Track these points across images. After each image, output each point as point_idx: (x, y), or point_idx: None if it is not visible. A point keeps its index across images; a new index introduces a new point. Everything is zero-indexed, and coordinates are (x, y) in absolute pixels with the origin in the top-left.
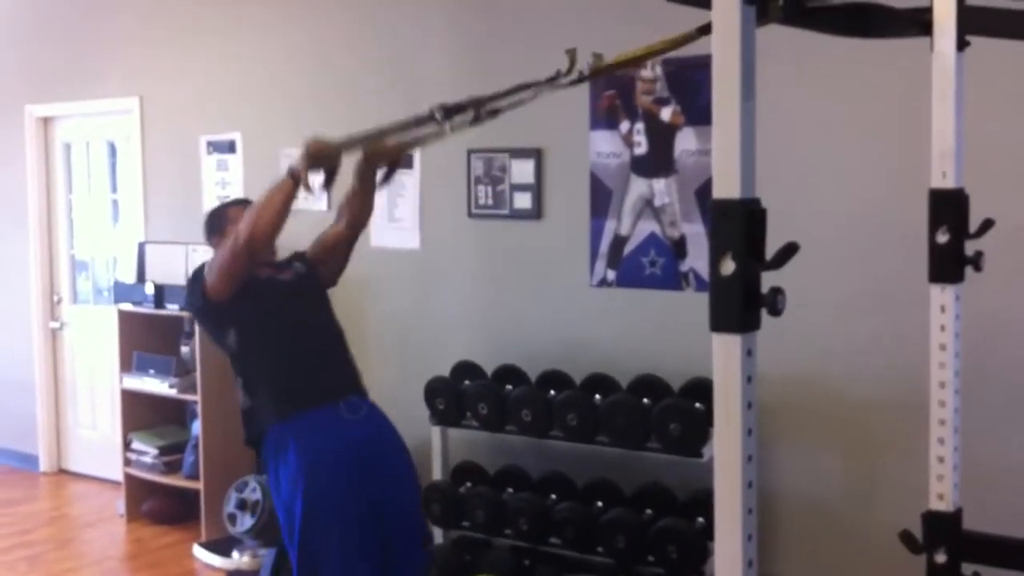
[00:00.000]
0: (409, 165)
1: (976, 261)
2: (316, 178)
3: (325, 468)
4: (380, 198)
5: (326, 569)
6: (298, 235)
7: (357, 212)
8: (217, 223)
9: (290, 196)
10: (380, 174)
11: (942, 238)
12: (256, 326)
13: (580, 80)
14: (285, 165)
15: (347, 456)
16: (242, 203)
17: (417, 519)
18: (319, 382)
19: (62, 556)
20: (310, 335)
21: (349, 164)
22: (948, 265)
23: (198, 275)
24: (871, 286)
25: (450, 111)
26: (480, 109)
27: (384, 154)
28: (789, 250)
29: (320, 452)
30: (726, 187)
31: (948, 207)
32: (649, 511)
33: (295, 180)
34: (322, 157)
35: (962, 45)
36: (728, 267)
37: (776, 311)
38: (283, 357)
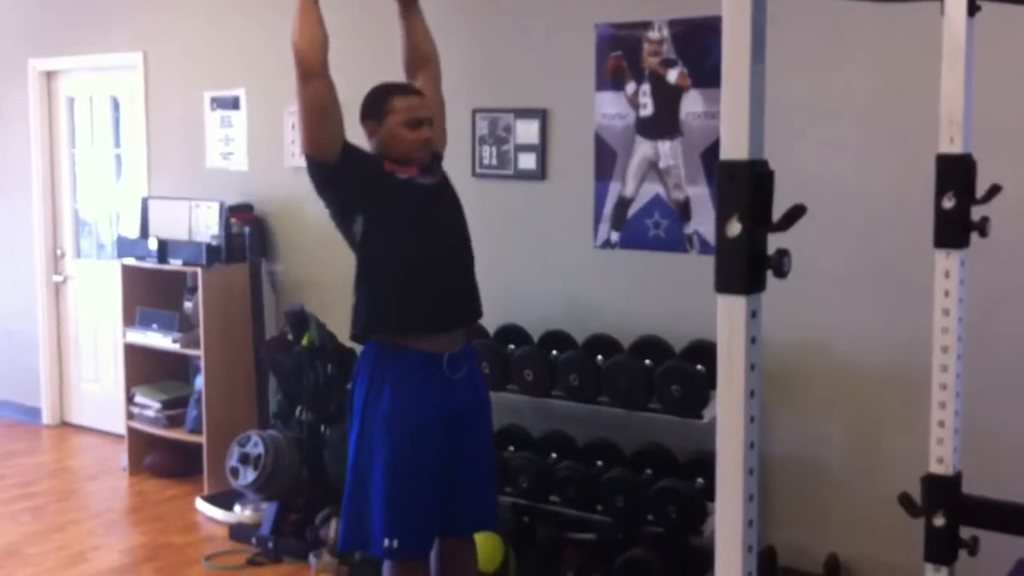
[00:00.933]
0: None
1: (982, 227)
2: None
3: (412, 423)
4: None
5: (385, 520)
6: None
7: (423, 46)
8: (375, 107)
9: (306, 6)
10: None
11: (948, 203)
12: (386, 222)
13: None
14: (289, 123)
15: (437, 423)
16: (409, 92)
17: (490, 484)
18: (436, 314)
19: (64, 508)
20: (439, 251)
21: None
22: (954, 230)
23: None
24: (876, 252)
25: None
26: None
27: None
28: (796, 212)
29: (412, 421)
30: (734, 148)
31: (955, 172)
32: (649, 471)
33: None
34: None
35: (972, 10)
36: (734, 228)
37: (782, 273)
38: (406, 267)
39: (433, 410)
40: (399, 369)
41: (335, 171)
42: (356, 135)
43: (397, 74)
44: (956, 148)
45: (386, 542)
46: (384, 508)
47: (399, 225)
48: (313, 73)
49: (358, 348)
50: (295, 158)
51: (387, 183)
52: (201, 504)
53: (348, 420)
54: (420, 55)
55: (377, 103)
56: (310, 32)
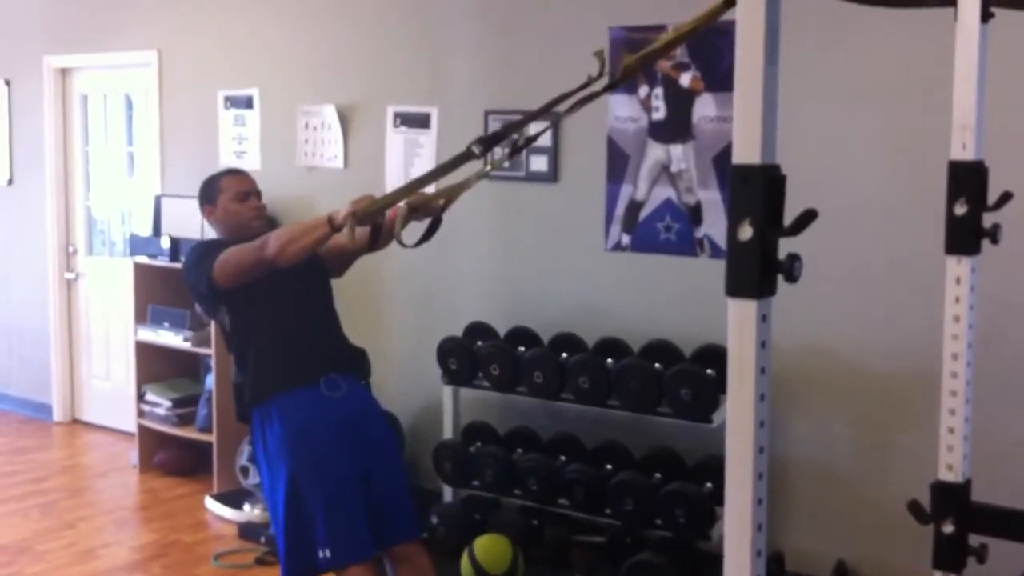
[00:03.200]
0: (426, 126)
1: (993, 234)
2: (362, 232)
3: (309, 440)
4: (396, 157)
5: (314, 537)
6: (315, 190)
7: (380, 242)
8: (208, 192)
9: (323, 241)
10: (422, 231)
11: (960, 210)
12: (250, 307)
13: (612, 85)
14: (302, 122)
15: (331, 429)
16: (235, 173)
17: (405, 490)
18: (302, 362)
19: (75, 505)
20: (301, 318)
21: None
22: (965, 237)
23: (203, 258)
24: (887, 257)
25: (488, 142)
26: (517, 135)
27: (426, 207)
28: (807, 217)
29: (304, 426)
30: (746, 152)
31: (967, 179)
32: (658, 475)
33: (331, 228)
34: (368, 216)
35: (986, 16)
36: (746, 232)
37: (793, 277)
38: (272, 338)
39: (323, 422)
40: (281, 402)
41: (226, 291)
42: None
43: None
44: (968, 154)
45: (320, 554)
46: (311, 522)
47: (258, 303)
48: (274, 266)
49: (371, 348)
50: (308, 157)
51: None
52: (211, 502)
53: (258, 469)
54: (375, 245)
55: (209, 188)
56: (303, 254)
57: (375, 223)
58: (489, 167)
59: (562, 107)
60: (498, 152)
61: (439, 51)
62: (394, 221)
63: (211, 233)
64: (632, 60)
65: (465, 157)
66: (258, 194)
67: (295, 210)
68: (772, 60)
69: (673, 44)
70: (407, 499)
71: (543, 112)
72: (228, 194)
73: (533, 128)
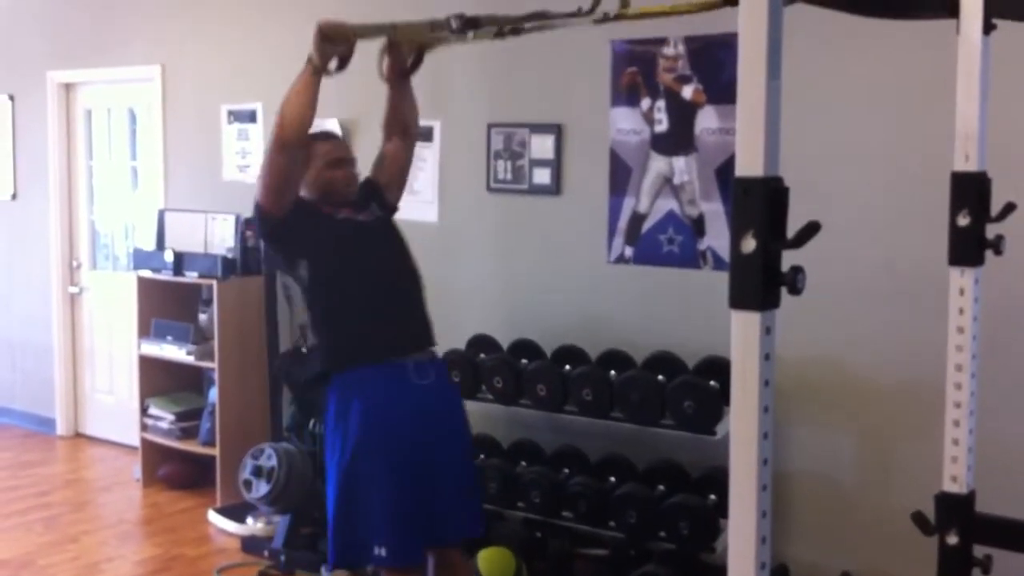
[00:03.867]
0: (429, 139)
1: (996, 244)
2: (331, 62)
3: (389, 433)
4: None
5: (370, 531)
6: None
7: (405, 116)
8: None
9: (309, 83)
10: (409, 61)
11: (963, 221)
12: (329, 263)
13: (602, 20)
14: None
15: (412, 422)
16: (330, 137)
17: (473, 488)
18: (390, 334)
19: (78, 519)
20: (385, 281)
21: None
22: (968, 248)
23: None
24: (890, 268)
25: (468, 23)
26: (502, 27)
27: (409, 41)
28: (811, 229)
29: (385, 416)
30: (749, 165)
31: (970, 190)
32: (661, 487)
33: (312, 66)
34: (336, 37)
35: (988, 28)
36: (749, 245)
37: (796, 290)
38: (355, 301)
39: (404, 411)
40: (364, 382)
41: (282, 223)
42: None
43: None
44: (971, 166)
45: (376, 550)
46: (371, 518)
47: (341, 264)
48: (291, 146)
49: None
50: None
51: (327, 225)
52: (214, 516)
53: (326, 440)
54: (402, 122)
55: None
56: (302, 108)
57: (344, 50)
58: (472, 36)
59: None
60: (481, 31)
61: (441, 65)
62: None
63: (214, 248)
64: (627, 11)
65: (440, 26)
66: (352, 162)
67: None
68: (774, 74)
69: (667, 13)
70: (475, 496)
71: (524, 19)
72: (322, 159)
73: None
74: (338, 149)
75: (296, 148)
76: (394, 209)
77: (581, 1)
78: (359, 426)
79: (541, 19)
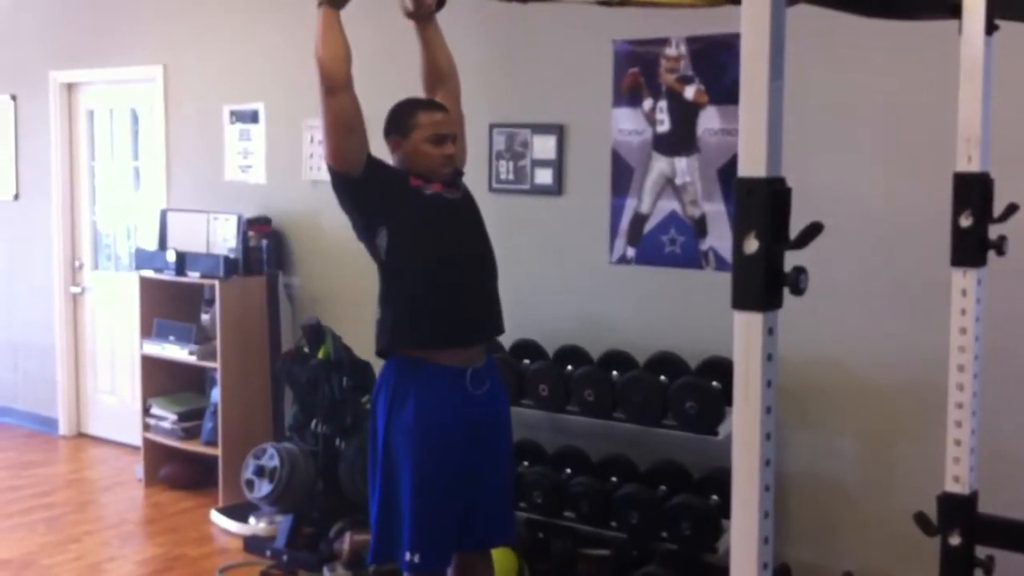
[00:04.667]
0: None
1: (999, 245)
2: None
3: (437, 444)
4: None
5: (404, 536)
6: (321, 204)
7: (441, 63)
8: (401, 123)
9: (329, 20)
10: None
11: (965, 222)
12: (410, 236)
13: (606, 3)
14: (308, 136)
15: (462, 434)
16: (435, 108)
17: (508, 495)
18: (460, 328)
19: (80, 519)
20: (465, 265)
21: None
22: (971, 249)
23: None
24: (893, 269)
25: None
26: None
27: None
28: (813, 230)
29: (436, 426)
30: (752, 166)
31: (972, 191)
32: (663, 487)
33: (326, 3)
34: None
35: (991, 29)
36: (752, 245)
37: (799, 290)
38: (431, 281)
39: (457, 424)
40: (423, 382)
41: (359, 184)
42: (379, 150)
43: (418, 86)
44: (974, 166)
45: (407, 556)
46: (408, 522)
47: (424, 239)
48: (337, 86)
49: (375, 361)
50: (313, 172)
51: (413, 198)
52: (216, 516)
53: (371, 431)
54: (439, 71)
55: (402, 118)
56: (334, 45)
57: None
58: None
59: None
60: None
61: None
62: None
63: (216, 248)
64: None
65: None
66: (455, 138)
67: (301, 224)
68: (777, 75)
69: (672, 4)
70: (508, 503)
71: None
72: (424, 132)
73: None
74: (444, 124)
75: (345, 86)
76: (461, 173)
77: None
78: (411, 427)
79: None
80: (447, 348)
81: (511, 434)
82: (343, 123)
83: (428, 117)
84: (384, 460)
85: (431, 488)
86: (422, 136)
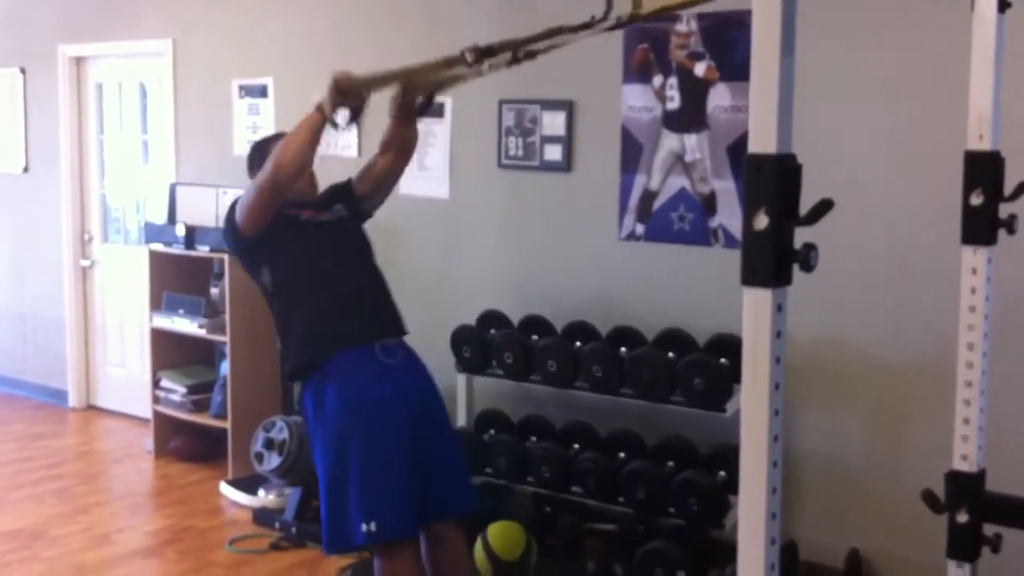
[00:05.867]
0: (440, 115)
1: (1010, 224)
2: (343, 113)
3: (363, 410)
4: None
5: (359, 510)
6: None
7: (405, 141)
8: (260, 156)
9: (316, 130)
10: (418, 103)
11: (976, 200)
12: (291, 265)
13: (616, 27)
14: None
15: (385, 398)
16: (276, 136)
17: (461, 462)
18: (353, 323)
19: (90, 490)
20: (346, 277)
21: (380, 101)
22: (981, 227)
23: (232, 210)
24: (901, 248)
25: (483, 53)
26: (516, 51)
27: (420, 86)
28: (823, 207)
29: (358, 395)
30: (762, 142)
31: (983, 169)
32: (671, 463)
33: (321, 115)
34: (349, 91)
35: (1003, 6)
36: (761, 222)
37: (808, 267)
38: (317, 298)
39: (380, 391)
40: (335, 367)
41: (256, 240)
42: None
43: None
44: (985, 145)
45: (364, 527)
46: (357, 495)
47: (303, 264)
48: (285, 189)
49: None
50: (322, 147)
51: (289, 228)
52: (225, 488)
53: (307, 433)
54: (401, 146)
55: (260, 153)
56: (303, 159)
57: (357, 102)
58: (488, 67)
59: (560, 39)
60: (495, 60)
61: (453, 40)
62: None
63: (224, 215)
64: (640, 12)
65: (455, 61)
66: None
67: None
68: (788, 51)
69: (680, 6)
70: (462, 471)
71: (539, 38)
72: None
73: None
74: None
75: (287, 191)
76: (368, 216)
77: (593, 7)
78: (337, 409)
79: (556, 36)
80: (345, 349)
81: (443, 403)
82: (271, 211)
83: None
84: (324, 450)
85: (372, 457)
86: None
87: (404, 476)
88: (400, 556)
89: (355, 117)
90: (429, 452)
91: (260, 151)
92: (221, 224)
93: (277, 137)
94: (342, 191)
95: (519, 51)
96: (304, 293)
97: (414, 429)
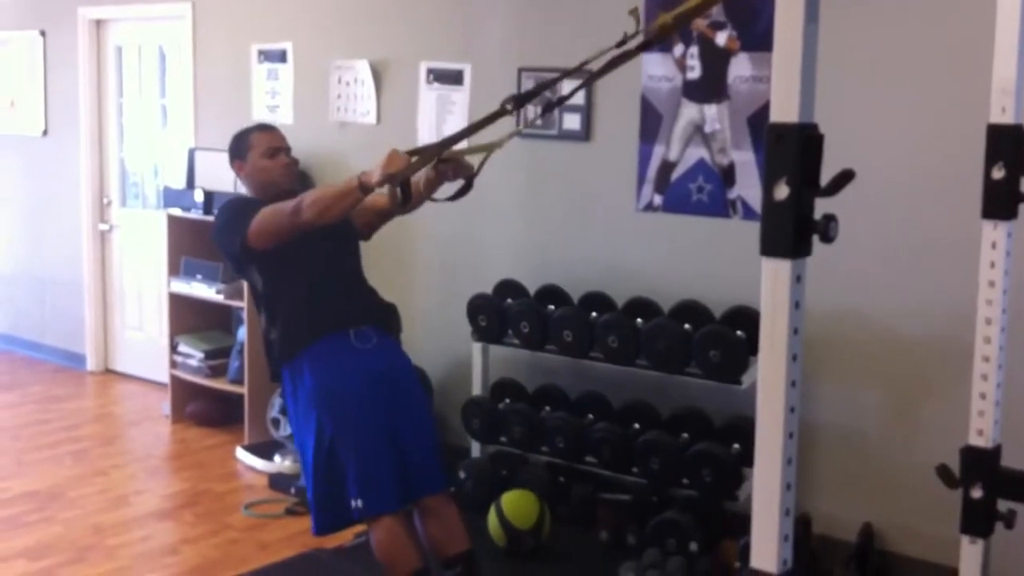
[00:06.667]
0: (459, 82)
1: None
2: (386, 190)
3: (340, 392)
4: (428, 113)
5: (346, 488)
6: (348, 145)
7: (415, 203)
8: (238, 147)
9: (356, 203)
10: (454, 190)
11: (998, 174)
12: (282, 267)
13: (647, 44)
14: (335, 77)
15: (360, 381)
16: (265, 129)
17: (432, 445)
18: (331, 314)
19: (107, 453)
20: (330, 275)
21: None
22: (1002, 201)
23: (236, 219)
24: (921, 222)
25: (521, 100)
26: (551, 93)
27: (458, 165)
28: (844, 177)
29: (334, 378)
30: (784, 111)
31: (1006, 143)
32: (685, 435)
33: (364, 191)
34: (398, 174)
35: None
36: (782, 192)
37: (828, 238)
38: (302, 295)
39: (355, 376)
40: (312, 354)
41: (257, 252)
42: None
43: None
44: (1008, 118)
45: (352, 504)
46: (343, 475)
47: (289, 260)
48: (305, 229)
49: (402, 303)
50: (340, 112)
51: None
52: (241, 453)
53: (291, 420)
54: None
55: (239, 143)
56: (335, 215)
57: (404, 181)
58: (522, 126)
59: (595, 65)
60: (531, 111)
61: (473, 7)
62: (426, 182)
63: (243, 188)
64: (668, 19)
65: (498, 115)
66: (287, 151)
67: (328, 166)
68: (812, 17)
69: (709, 2)
70: (433, 454)
71: (576, 71)
72: (258, 150)
73: (567, 87)
74: (274, 139)
75: (315, 227)
76: (360, 234)
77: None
78: (313, 395)
79: (590, 62)
80: (321, 337)
81: (419, 386)
82: (286, 241)
83: (260, 136)
84: (302, 435)
85: (352, 435)
86: (258, 153)
87: (382, 453)
88: (385, 527)
89: (405, 197)
90: (403, 433)
91: (242, 141)
92: (240, 190)
93: (260, 127)
94: None
95: (554, 95)
96: (288, 291)
97: (388, 409)
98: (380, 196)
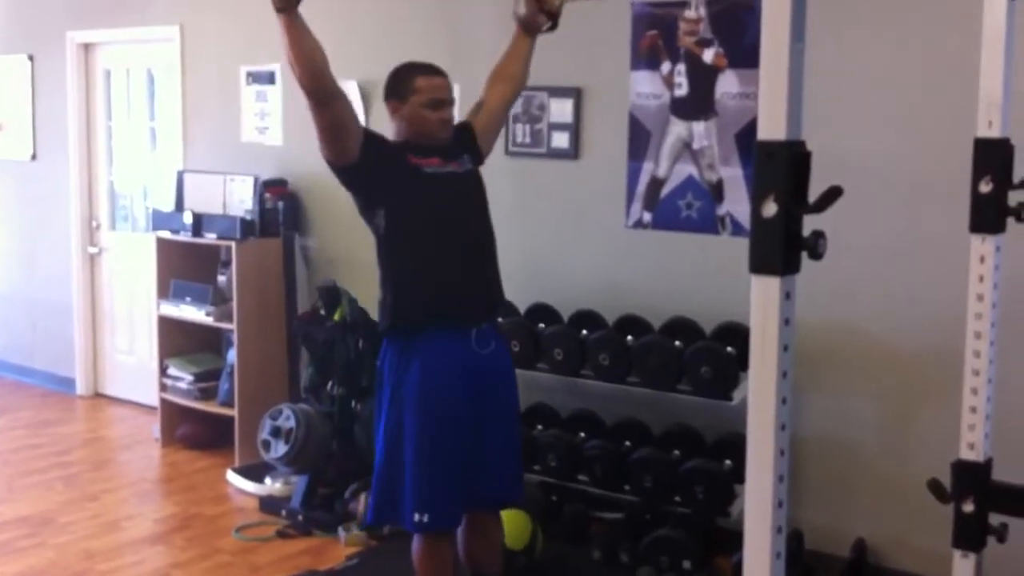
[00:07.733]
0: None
1: (1018, 212)
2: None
3: (443, 403)
4: None
5: (413, 496)
6: None
7: (520, 70)
8: (400, 87)
9: (289, 25)
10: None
11: (985, 187)
12: (407, 216)
13: None
14: None
15: (467, 392)
16: (433, 72)
17: (516, 454)
18: (456, 300)
19: (98, 477)
20: (463, 242)
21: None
22: (990, 215)
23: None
24: (911, 235)
25: None
26: None
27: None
28: (833, 194)
29: (442, 386)
30: (772, 128)
31: (993, 156)
32: (677, 452)
33: (275, 8)
34: None
35: None
36: (770, 209)
37: (817, 255)
38: (430, 260)
39: (463, 384)
40: (426, 344)
41: (356, 169)
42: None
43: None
44: (995, 132)
45: (416, 516)
46: (414, 483)
47: (421, 218)
48: (324, 97)
49: None
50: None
51: (410, 178)
52: (232, 476)
53: (377, 395)
54: (511, 74)
55: (401, 83)
56: (305, 55)
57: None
58: None
59: None
60: None
61: (462, 27)
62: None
63: (233, 210)
64: None
65: None
66: (452, 103)
67: (317, 186)
68: (798, 36)
69: None
70: (516, 463)
71: None
72: (423, 96)
73: None
74: (441, 89)
75: (331, 93)
76: (482, 160)
77: None
78: (416, 387)
79: None
80: (448, 322)
81: (517, 398)
82: (337, 129)
83: (427, 82)
84: (390, 423)
85: (439, 449)
86: (420, 100)
87: (461, 467)
88: (436, 542)
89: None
90: (491, 443)
91: (401, 83)
92: (229, 212)
93: (427, 69)
94: (467, 136)
95: None
96: (416, 252)
97: (483, 419)
98: (491, 94)
